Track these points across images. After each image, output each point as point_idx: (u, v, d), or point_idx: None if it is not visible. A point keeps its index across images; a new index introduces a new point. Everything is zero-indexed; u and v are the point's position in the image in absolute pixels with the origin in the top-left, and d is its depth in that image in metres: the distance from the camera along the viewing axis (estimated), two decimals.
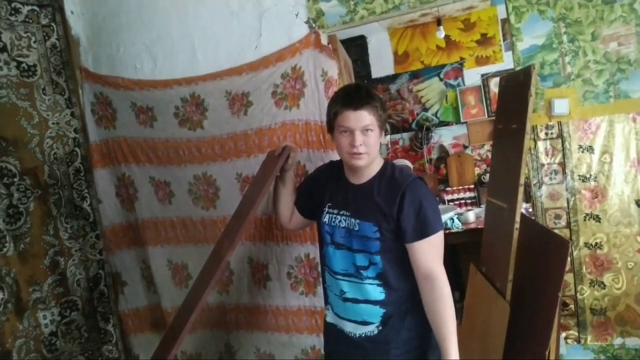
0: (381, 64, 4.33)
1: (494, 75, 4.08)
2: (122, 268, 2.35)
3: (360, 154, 1.51)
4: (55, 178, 2.11)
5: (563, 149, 2.02)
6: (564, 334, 2.08)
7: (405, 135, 4.32)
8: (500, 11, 4.04)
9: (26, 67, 2.07)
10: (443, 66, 4.23)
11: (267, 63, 2.15)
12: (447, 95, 4.20)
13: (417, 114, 4.27)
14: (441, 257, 1.51)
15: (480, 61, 4.17)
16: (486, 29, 4.12)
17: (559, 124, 2.00)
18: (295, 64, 2.12)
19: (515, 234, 1.70)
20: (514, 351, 1.68)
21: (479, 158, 4.20)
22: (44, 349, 1.99)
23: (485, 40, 4.13)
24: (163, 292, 2.33)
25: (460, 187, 4.14)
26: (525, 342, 1.65)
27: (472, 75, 4.18)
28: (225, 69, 2.19)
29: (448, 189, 4.18)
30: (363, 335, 1.57)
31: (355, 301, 1.57)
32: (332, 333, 1.67)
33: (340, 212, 1.59)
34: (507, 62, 4.00)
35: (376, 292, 1.54)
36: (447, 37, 4.08)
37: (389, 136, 4.34)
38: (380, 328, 1.55)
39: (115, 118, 2.31)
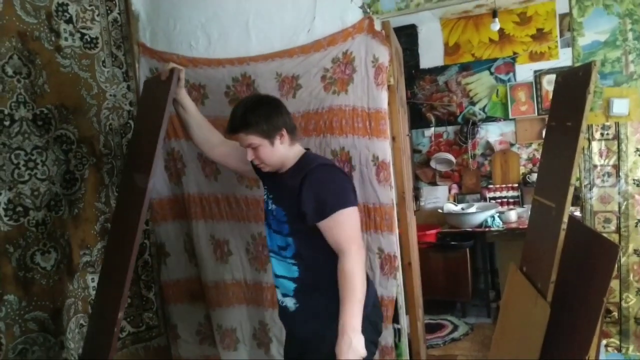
0: (431, 55, 4.26)
1: (548, 72, 3.95)
2: (166, 239, 2.43)
3: (258, 164, 1.69)
4: (109, 148, 2.20)
5: (619, 151, 1.95)
6: (604, 342, 2.02)
7: (450, 128, 4.25)
8: (559, 6, 3.88)
9: (89, 39, 2.15)
10: (494, 60, 4.12)
11: (319, 47, 2.16)
12: (497, 90, 4.10)
13: (465, 107, 4.19)
14: (352, 232, 1.56)
15: (534, 57, 4.03)
16: (543, 23, 3.98)
17: (617, 124, 1.93)
18: (346, 48, 2.13)
19: (562, 234, 1.66)
20: (552, 353, 1.65)
21: (525, 157, 4.09)
22: (91, 309, 2.09)
23: (540, 35, 3.99)
24: (203, 266, 2.40)
25: (504, 186, 4.05)
26: (565, 346, 1.61)
27: (524, 71, 4.05)
28: (278, 51, 2.21)
29: (490, 186, 4.09)
30: (284, 304, 1.70)
31: (278, 276, 1.71)
32: (280, 309, 1.77)
33: (269, 196, 1.75)
34: (562, 59, 3.85)
35: (292, 270, 1.65)
36: (500, 30, 3.96)
37: (432, 128, 4.28)
38: (295, 302, 1.65)
39: None
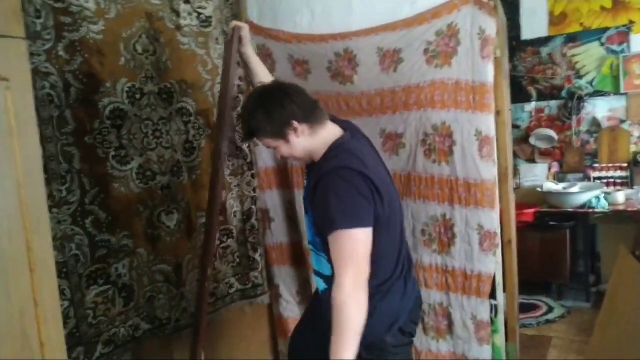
0: (533, 25, 4.02)
1: None
2: (270, 205, 2.59)
3: (286, 159, 1.64)
4: None
5: None
6: None
7: (553, 103, 4.03)
8: None
9: (204, 18, 2.31)
10: (606, 29, 3.81)
11: (422, 19, 2.15)
12: (612, 63, 3.78)
13: (579, 78, 3.92)
14: (354, 256, 1.35)
15: None
16: None
17: None
18: (451, 21, 2.10)
19: None
20: None
21: (637, 134, 3.79)
22: None
23: None
24: (304, 232, 2.54)
25: (610, 165, 3.79)
26: None
27: None
28: (380, 25, 2.23)
29: (595, 165, 3.85)
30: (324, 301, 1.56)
31: (314, 270, 1.66)
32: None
33: (306, 185, 1.65)
34: None
35: (325, 267, 1.54)
36: None
37: (533, 103, 4.08)
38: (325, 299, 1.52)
39: (274, 69, 2.49)
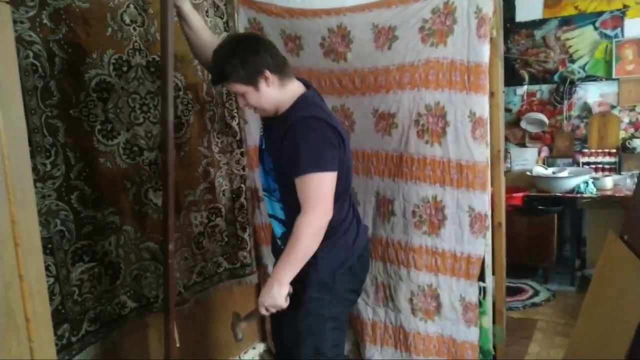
0: (528, 7, 3.98)
1: None
2: (260, 184, 2.55)
3: (253, 109, 1.64)
4: (211, 96, 2.32)
5: None
6: None
7: (545, 87, 4.01)
8: None
9: None
10: (601, 13, 3.78)
11: None
12: (607, 46, 3.76)
13: (572, 63, 3.90)
14: (319, 196, 1.51)
15: None
16: None
17: None
18: None
19: None
20: None
21: (627, 120, 3.80)
22: (193, 245, 2.27)
23: None
24: None
25: (600, 151, 3.80)
26: None
27: (634, 26, 3.69)
28: (375, 1, 2.18)
29: (585, 150, 3.86)
30: (280, 244, 1.73)
31: (270, 215, 1.76)
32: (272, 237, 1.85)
33: (264, 136, 1.72)
34: None
35: (280, 212, 1.70)
36: None
37: (525, 86, 4.06)
38: (282, 242, 1.70)
39: None
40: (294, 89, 1.62)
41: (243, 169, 2.49)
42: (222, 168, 2.40)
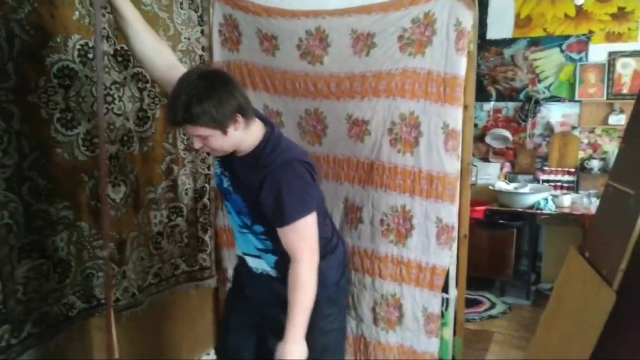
0: (499, 26, 4.07)
1: (624, 54, 3.74)
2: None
3: (207, 151, 1.54)
4: None
5: None
6: None
7: (511, 104, 4.11)
8: None
9: None
10: (567, 37, 3.92)
11: (400, 5, 2.10)
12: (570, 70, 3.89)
13: (538, 83, 4.00)
14: (308, 239, 1.50)
15: (611, 37, 3.81)
16: (625, 2, 3.74)
17: None
18: (429, 9, 2.06)
19: None
20: (613, 341, 1.62)
21: (586, 142, 3.93)
22: (151, 245, 2.17)
23: (621, 14, 3.76)
24: None
25: (559, 169, 3.92)
26: (632, 335, 1.58)
27: (597, 52, 3.84)
28: (356, 6, 2.16)
29: (545, 168, 3.97)
30: (264, 272, 1.66)
31: (261, 250, 1.64)
32: (240, 263, 1.76)
33: (224, 174, 1.62)
34: None
35: (266, 243, 1.61)
36: (578, 5, 3.76)
37: (492, 103, 4.14)
38: (275, 271, 1.63)
39: (240, 42, 2.37)
40: (257, 129, 1.53)
41: (208, 168, 2.41)
42: (186, 166, 2.30)
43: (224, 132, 1.42)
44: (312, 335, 1.54)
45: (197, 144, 1.46)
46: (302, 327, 1.48)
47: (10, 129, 1.57)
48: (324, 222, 1.66)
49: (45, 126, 1.69)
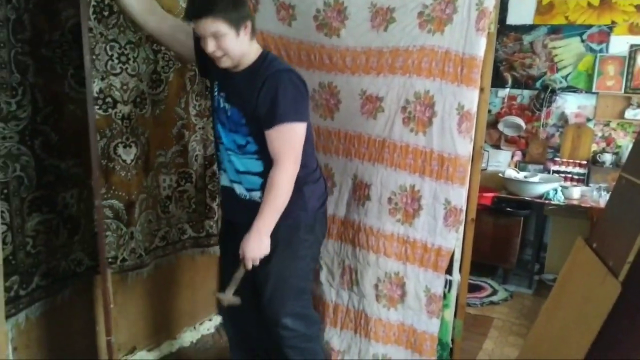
0: (520, 11, 3.99)
1: None
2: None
3: (219, 57, 1.57)
4: None
5: None
6: None
7: (526, 92, 4.05)
8: None
9: None
10: (589, 27, 3.83)
11: None
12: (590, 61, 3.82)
13: (556, 72, 3.93)
14: (293, 146, 1.62)
15: (634, 29, 3.72)
16: None
17: None
18: None
19: None
20: (618, 333, 1.62)
21: (600, 135, 3.88)
22: (159, 208, 2.18)
23: None
24: None
25: (571, 161, 3.88)
26: (635, 327, 1.58)
27: (619, 43, 3.75)
28: None
29: (557, 159, 3.93)
30: (250, 198, 1.75)
31: (241, 172, 1.73)
32: (227, 194, 1.84)
33: (220, 94, 1.71)
34: None
35: (255, 164, 1.70)
36: None
37: (507, 89, 4.09)
38: (261, 195, 1.69)
39: (256, 9, 2.33)
40: (256, 46, 1.68)
41: None
42: (197, 132, 2.30)
43: (237, 33, 1.53)
44: (285, 253, 1.72)
45: (211, 46, 1.53)
46: (269, 224, 1.62)
47: (25, 82, 1.58)
48: (312, 152, 1.81)
49: (59, 81, 1.70)
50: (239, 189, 1.77)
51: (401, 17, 2.10)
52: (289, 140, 1.60)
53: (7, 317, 1.58)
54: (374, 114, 2.23)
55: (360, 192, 2.32)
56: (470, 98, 2.04)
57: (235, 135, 1.69)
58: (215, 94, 1.74)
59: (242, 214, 1.76)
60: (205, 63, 1.73)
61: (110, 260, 1.96)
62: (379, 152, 2.24)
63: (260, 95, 1.57)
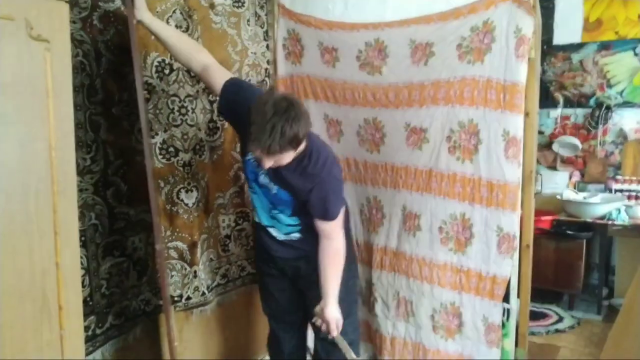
0: (567, 30, 3.94)
1: None
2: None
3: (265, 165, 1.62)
4: None
5: None
6: None
7: (580, 111, 3.95)
8: None
9: None
10: None
11: (458, 14, 2.12)
12: None
13: (609, 88, 3.83)
14: (340, 223, 1.82)
15: None
16: None
17: None
18: (487, 17, 2.06)
19: None
20: None
21: None
22: (219, 247, 2.30)
23: None
24: None
25: (634, 178, 3.71)
26: None
27: None
28: (414, 17, 2.20)
29: (618, 177, 3.77)
30: (287, 239, 1.92)
31: (289, 225, 1.89)
32: (260, 229, 1.98)
33: (264, 172, 1.77)
34: None
35: (293, 219, 1.87)
36: None
37: (559, 110, 4.01)
38: (300, 235, 1.90)
39: (302, 55, 2.48)
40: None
41: None
42: None
43: (295, 150, 1.62)
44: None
45: (267, 164, 1.59)
46: (337, 291, 1.81)
47: (98, 139, 1.76)
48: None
49: (127, 136, 1.87)
50: (275, 232, 1.94)
51: (440, 51, 2.17)
52: (338, 223, 1.82)
53: (87, 354, 1.72)
54: (419, 145, 2.28)
55: (410, 223, 2.35)
56: (515, 123, 2.06)
57: (280, 206, 1.86)
58: (255, 169, 1.81)
59: (281, 250, 1.95)
60: (233, 117, 1.85)
61: (175, 298, 2.08)
62: (427, 182, 2.28)
63: (312, 195, 1.74)
